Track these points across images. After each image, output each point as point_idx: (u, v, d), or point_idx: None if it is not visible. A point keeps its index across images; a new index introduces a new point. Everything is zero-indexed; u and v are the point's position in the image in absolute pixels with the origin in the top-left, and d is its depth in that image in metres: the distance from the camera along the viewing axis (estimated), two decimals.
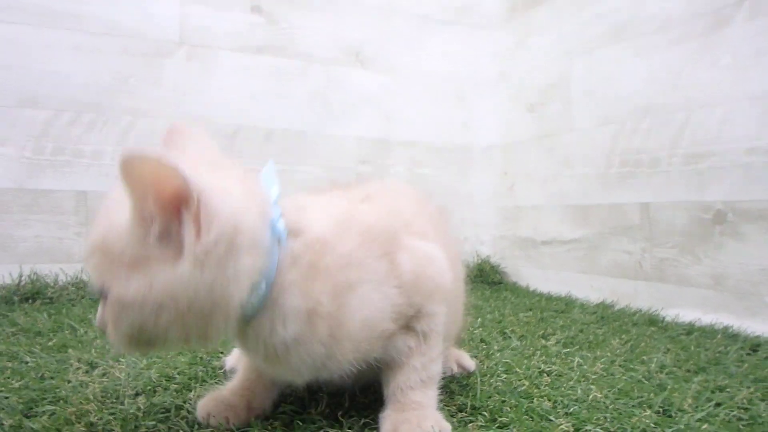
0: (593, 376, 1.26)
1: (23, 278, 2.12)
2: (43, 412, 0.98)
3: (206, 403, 0.98)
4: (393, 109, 2.93)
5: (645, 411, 1.02)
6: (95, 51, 2.35)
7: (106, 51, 2.36)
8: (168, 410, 1.00)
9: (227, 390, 1.00)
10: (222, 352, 1.36)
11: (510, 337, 1.68)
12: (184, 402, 1.04)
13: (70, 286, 2.14)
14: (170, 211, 0.73)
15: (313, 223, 0.87)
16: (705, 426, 0.95)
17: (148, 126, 2.43)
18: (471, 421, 0.98)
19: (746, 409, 1.05)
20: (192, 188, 0.71)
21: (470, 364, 1.31)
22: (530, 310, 2.15)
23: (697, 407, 1.06)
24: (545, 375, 1.28)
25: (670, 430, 0.93)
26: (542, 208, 2.77)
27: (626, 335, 1.71)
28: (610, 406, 1.05)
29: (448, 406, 1.04)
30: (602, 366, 1.35)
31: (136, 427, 0.93)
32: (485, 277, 2.91)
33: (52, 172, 2.27)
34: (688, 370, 1.34)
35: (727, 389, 1.18)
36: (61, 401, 1.03)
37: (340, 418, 0.97)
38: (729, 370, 1.33)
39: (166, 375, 1.21)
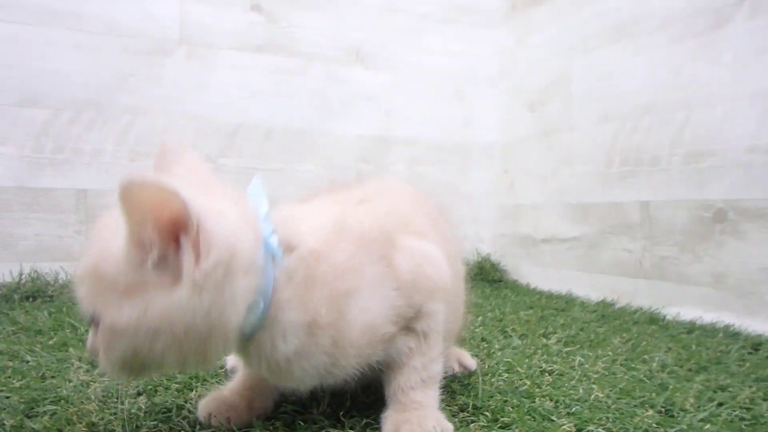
0: (595, 376, 1.26)
1: (23, 276, 2.12)
2: (44, 412, 0.97)
3: (207, 402, 0.97)
4: (393, 108, 2.93)
5: (647, 411, 1.02)
6: (95, 50, 2.34)
7: (106, 50, 2.36)
8: (169, 410, 1.00)
9: (228, 390, 1.00)
10: None
11: (511, 336, 1.68)
12: (186, 402, 1.04)
13: (70, 284, 2.14)
14: (168, 236, 0.72)
15: (306, 236, 0.86)
16: (707, 426, 0.95)
17: (148, 124, 2.43)
18: (473, 421, 0.98)
19: (748, 409, 1.05)
20: (192, 214, 0.71)
21: (471, 363, 1.31)
22: (531, 308, 2.15)
23: (699, 407, 1.05)
24: (547, 374, 1.28)
25: (673, 430, 0.93)
26: (542, 206, 2.77)
27: (627, 334, 1.71)
28: (612, 406, 1.05)
29: (449, 406, 1.04)
30: (603, 365, 1.35)
31: (137, 427, 0.93)
32: (485, 275, 2.91)
33: (52, 171, 2.26)
34: (690, 369, 1.34)
35: (729, 389, 1.18)
36: (63, 401, 1.03)
37: (341, 418, 0.96)
38: (730, 370, 1.33)
39: (167, 375, 1.21)
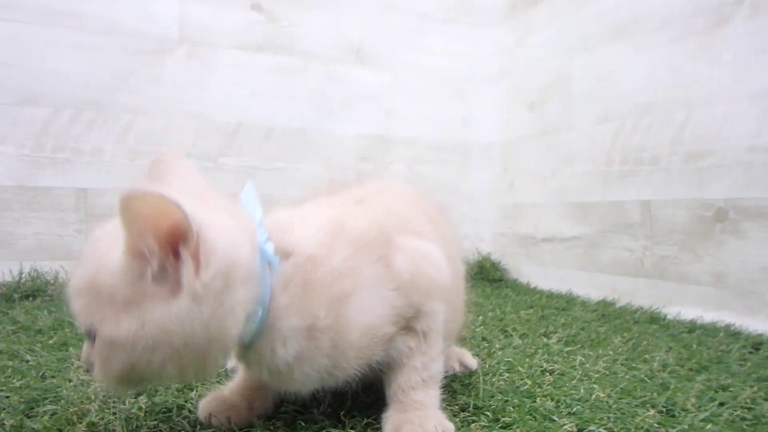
0: (596, 375, 1.26)
1: (23, 275, 2.12)
2: (44, 411, 0.97)
3: (208, 402, 0.97)
4: (393, 107, 2.93)
5: (648, 411, 1.02)
6: (95, 49, 2.34)
7: (106, 49, 2.36)
8: (170, 410, 1.00)
9: (228, 389, 1.00)
10: None
11: (511, 335, 1.68)
12: (186, 402, 1.04)
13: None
14: (167, 247, 0.72)
15: (301, 241, 0.86)
16: (709, 426, 0.95)
17: (148, 124, 2.43)
18: (474, 421, 0.97)
19: (750, 409, 1.05)
20: (193, 225, 0.70)
21: (472, 362, 1.31)
22: (531, 307, 2.14)
23: (700, 407, 1.05)
24: (547, 374, 1.28)
25: (674, 430, 0.93)
26: (542, 206, 2.77)
27: (628, 333, 1.70)
28: (613, 406, 1.05)
29: (450, 406, 1.04)
30: (604, 365, 1.35)
31: (137, 426, 0.92)
32: (486, 275, 2.91)
33: (52, 170, 2.26)
34: (691, 369, 1.33)
35: (730, 388, 1.18)
36: (63, 400, 1.03)
37: (342, 417, 0.96)
38: (731, 369, 1.33)
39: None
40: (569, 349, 1.51)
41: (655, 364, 1.36)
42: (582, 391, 1.14)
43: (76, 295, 0.76)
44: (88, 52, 2.33)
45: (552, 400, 1.09)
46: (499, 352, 1.47)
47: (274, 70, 2.68)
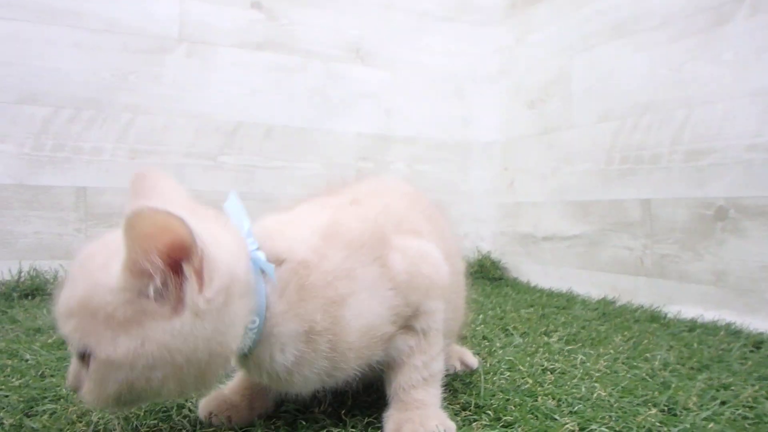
0: (597, 374, 1.26)
1: (23, 274, 2.12)
2: (44, 411, 0.97)
3: (208, 402, 0.97)
4: (393, 106, 2.93)
5: (650, 410, 1.02)
6: (95, 48, 2.34)
7: (105, 48, 2.36)
8: (169, 409, 0.99)
9: (229, 389, 1.00)
10: None
11: (512, 334, 1.68)
12: (186, 401, 1.03)
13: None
14: (169, 264, 0.71)
15: (294, 247, 0.85)
16: (711, 425, 0.95)
17: (148, 123, 2.42)
18: (475, 420, 0.97)
19: (752, 408, 1.05)
20: (198, 242, 0.70)
21: (473, 361, 1.30)
22: (531, 306, 2.14)
23: (702, 406, 1.05)
24: (548, 373, 1.28)
25: (676, 429, 0.93)
26: (543, 205, 2.77)
27: (628, 332, 1.70)
28: (615, 405, 1.05)
29: (452, 405, 1.03)
30: (605, 363, 1.34)
31: (137, 426, 0.92)
32: (486, 273, 2.91)
33: (51, 169, 2.26)
34: (692, 368, 1.33)
35: (732, 387, 1.18)
36: (62, 400, 1.02)
37: (343, 417, 0.96)
38: (733, 368, 1.33)
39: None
40: (570, 347, 1.51)
41: (656, 362, 1.36)
42: (583, 389, 1.14)
43: (67, 315, 0.73)
44: (88, 50, 2.33)
45: (553, 399, 1.08)
46: (500, 351, 1.46)
47: (274, 68, 2.67)
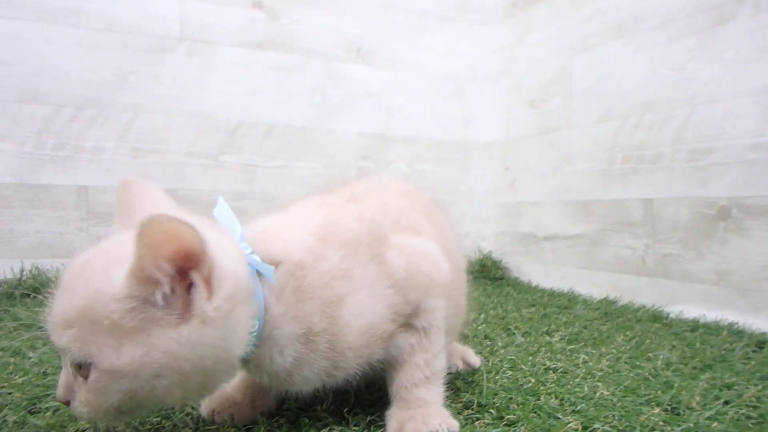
0: (599, 373, 1.26)
1: (25, 273, 2.11)
2: (47, 408, 0.97)
3: (210, 400, 0.97)
4: (393, 105, 2.93)
5: (653, 409, 1.02)
6: (96, 47, 2.34)
7: (106, 47, 2.36)
8: (172, 407, 0.99)
9: (231, 387, 0.99)
10: None
11: (514, 334, 1.68)
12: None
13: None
14: (178, 272, 0.71)
15: (289, 248, 0.85)
16: (715, 424, 0.94)
17: (149, 122, 2.42)
18: (478, 419, 0.97)
19: (755, 407, 1.05)
20: (208, 251, 0.70)
21: (475, 360, 1.30)
22: (533, 306, 2.14)
23: (705, 405, 1.05)
24: (551, 372, 1.27)
25: (680, 428, 0.93)
26: (544, 204, 2.77)
27: (630, 332, 1.70)
28: (618, 404, 1.05)
29: (454, 404, 1.03)
30: (608, 363, 1.34)
31: (140, 424, 0.92)
32: (487, 273, 2.91)
33: (53, 168, 2.26)
34: (695, 368, 1.33)
35: (735, 387, 1.18)
36: None
37: (345, 415, 0.96)
38: (735, 368, 1.33)
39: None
40: (572, 347, 1.51)
41: (659, 362, 1.36)
42: (586, 389, 1.13)
43: (64, 326, 0.71)
44: (89, 49, 2.33)
45: (556, 398, 1.08)
46: (502, 350, 1.46)
47: (275, 68, 2.67)
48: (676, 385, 1.17)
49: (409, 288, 0.90)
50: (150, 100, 2.43)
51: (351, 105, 2.83)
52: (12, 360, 1.26)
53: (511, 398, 1.07)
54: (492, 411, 1.00)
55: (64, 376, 0.75)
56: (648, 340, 1.59)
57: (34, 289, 2.04)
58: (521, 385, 1.16)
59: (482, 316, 1.91)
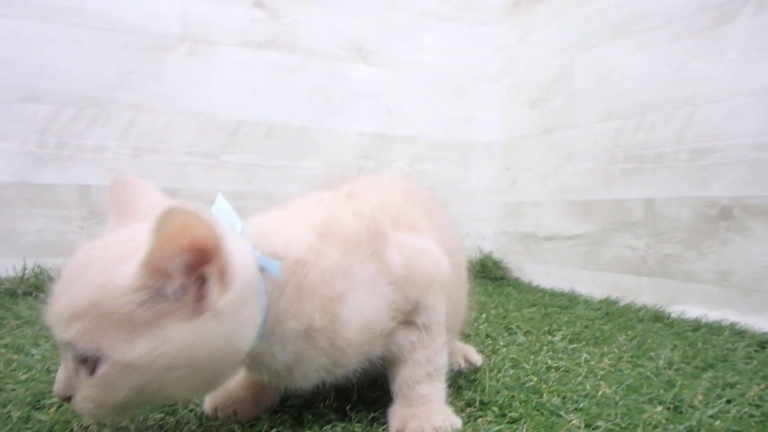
0: (601, 372, 1.26)
1: (27, 272, 2.12)
2: (51, 404, 0.97)
3: (214, 396, 0.97)
4: (394, 105, 2.93)
5: (656, 407, 1.02)
6: (96, 46, 2.34)
7: (107, 46, 2.36)
8: (176, 403, 0.99)
9: (234, 383, 0.99)
10: None
11: (515, 333, 1.68)
12: None
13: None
14: (193, 265, 0.71)
15: (290, 245, 0.85)
16: (718, 423, 0.94)
17: (150, 121, 2.42)
18: (480, 416, 0.97)
19: (758, 406, 1.05)
20: (223, 245, 0.70)
21: (477, 359, 1.30)
22: (534, 305, 2.14)
23: (708, 404, 1.05)
24: (553, 370, 1.28)
25: (683, 426, 0.93)
26: (545, 204, 2.77)
27: (632, 331, 1.70)
28: (620, 402, 1.05)
29: (456, 401, 1.03)
30: (610, 362, 1.34)
31: (144, 419, 0.92)
32: (487, 273, 2.91)
33: (54, 167, 2.26)
34: (697, 367, 1.33)
35: (737, 386, 1.17)
36: None
37: (348, 412, 0.96)
38: (738, 367, 1.33)
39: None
40: (574, 346, 1.51)
41: (661, 361, 1.36)
42: (588, 387, 1.13)
43: (70, 319, 0.70)
44: (90, 49, 2.33)
45: (558, 396, 1.08)
46: (504, 349, 1.46)
47: (276, 67, 2.67)
48: (678, 383, 1.17)
49: (408, 286, 0.90)
50: (151, 99, 2.43)
51: (352, 105, 2.84)
52: (15, 357, 1.27)
53: (513, 396, 1.07)
54: (494, 409, 1.00)
55: (64, 372, 0.73)
56: (649, 340, 1.59)
57: (36, 287, 2.04)
58: (523, 383, 1.16)
59: (483, 315, 1.92)
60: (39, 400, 1.00)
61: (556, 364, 1.32)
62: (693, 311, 1.95)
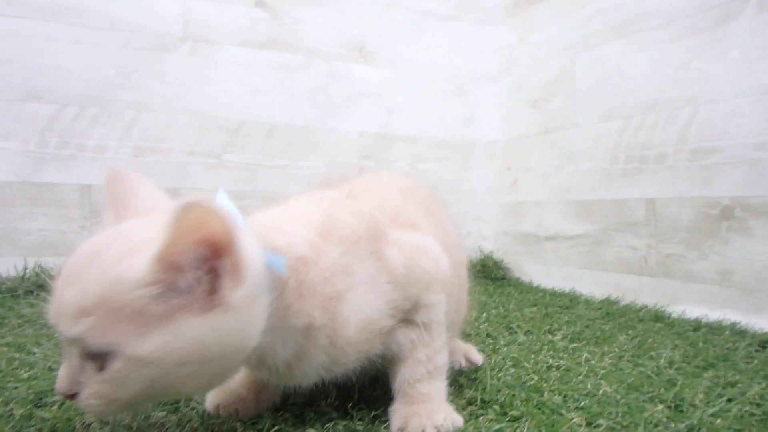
0: (602, 371, 1.26)
1: (28, 271, 2.12)
2: (53, 402, 0.97)
3: (215, 394, 0.97)
4: (395, 104, 2.93)
5: (657, 406, 1.02)
6: (98, 45, 2.34)
7: (108, 45, 2.36)
8: (178, 401, 0.99)
9: (236, 382, 0.99)
10: None
11: (516, 332, 1.68)
12: None
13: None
14: (210, 259, 0.71)
15: (291, 243, 0.84)
16: (719, 421, 0.95)
17: (152, 120, 2.43)
18: (481, 415, 0.97)
19: (759, 405, 1.05)
20: (237, 240, 0.69)
21: (478, 358, 1.30)
22: (535, 305, 2.14)
23: (708, 402, 1.05)
24: (554, 369, 1.28)
25: (684, 424, 0.93)
26: (545, 204, 2.77)
27: (632, 331, 1.70)
28: (621, 401, 1.05)
29: (457, 399, 1.04)
30: (610, 361, 1.35)
31: (146, 417, 0.92)
32: (488, 273, 2.91)
33: (56, 166, 2.26)
34: (697, 366, 1.33)
35: (738, 385, 1.18)
36: None
37: (350, 410, 0.96)
38: (738, 367, 1.33)
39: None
40: (574, 346, 1.51)
41: (662, 361, 1.36)
42: (589, 386, 1.14)
43: (79, 314, 0.68)
44: (91, 48, 2.33)
45: (559, 394, 1.09)
46: (504, 349, 1.47)
47: (277, 67, 2.68)
48: (679, 382, 1.17)
49: (408, 284, 0.91)
50: (152, 98, 2.43)
51: (353, 104, 2.84)
52: (17, 355, 1.27)
53: (514, 395, 1.07)
54: (495, 407, 1.00)
55: (68, 369, 0.72)
56: (650, 340, 1.59)
57: (37, 286, 2.04)
58: (524, 382, 1.17)
59: (484, 315, 1.92)
60: (41, 398, 1.00)
61: (556, 363, 1.32)
62: (694, 311, 1.95)
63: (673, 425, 0.93)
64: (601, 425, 0.93)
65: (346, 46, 2.83)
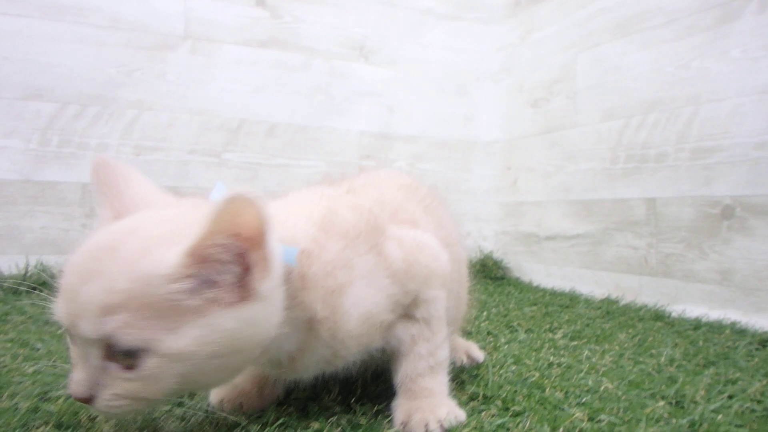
0: (603, 368, 1.27)
1: (30, 269, 2.12)
2: (58, 396, 0.98)
3: (220, 389, 0.98)
4: (395, 104, 2.94)
5: (658, 402, 1.03)
6: (99, 44, 2.35)
7: (110, 44, 2.36)
8: (182, 396, 1.00)
9: (240, 376, 1.00)
10: None
11: (517, 330, 1.68)
12: None
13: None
14: (243, 252, 0.71)
15: (295, 236, 0.84)
16: (720, 417, 0.95)
17: (153, 119, 2.43)
18: (484, 410, 0.98)
19: (759, 401, 1.05)
20: (268, 232, 0.69)
21: (479, 355, 1.31)
22: (535, 304, 2.15)
23: (709, 399, 1.06)
24: (555, 366, 1.28)
25: (685, 420, 0.93)
26: (546, 204, 2.77)
27: (633, 330, 1.71)
28: (622, 397, 1.06)
29: (459, 395, 1.04)
30: (611, 359, 1.35)
31: (150, 412, 0.93)
32: (488, 273, 2.91)
33: (57, 164, 2.27)
34: (698, 364, 1.33)
35: (739, 382, 1.18)
36: None
37: (353, 405, 0.97)
38: (739, 365, 1.33)
39: None
40: (575, 343, 1.52)
41: (662, 358, 1.36)
42: (590, 382, 1.14)
43: (106, 312, 0.66)
44: (93, 46, 2.33)
45: (561, 391, 1.09)
46: (505, 346, 1.47)
47: (278, 66, 2.68)
48: (680, 380, 1.18)
49: (407, 279, 0.91)
50: (154, 97, 2.44)
51: (353, 103, 2.84)
52: (21, 351, 1.27)
53: (516, 391, 1.07)
54: (498, 402, 1.01)
55: (86, 371, 0.70)
56: (651, 338, 1.60)
57: (39, 284, 2.04)
58: (526, 378, 1.17)
59: (484, 313, 1.92)
60: (46, 392, 1.00)
61: (557, 361, 1.33)
62: (694, 310, 1.95)
63: (674, 421, 0.93)
64: (603, 420, 0.93)
65: (347, 45, 2.84)
